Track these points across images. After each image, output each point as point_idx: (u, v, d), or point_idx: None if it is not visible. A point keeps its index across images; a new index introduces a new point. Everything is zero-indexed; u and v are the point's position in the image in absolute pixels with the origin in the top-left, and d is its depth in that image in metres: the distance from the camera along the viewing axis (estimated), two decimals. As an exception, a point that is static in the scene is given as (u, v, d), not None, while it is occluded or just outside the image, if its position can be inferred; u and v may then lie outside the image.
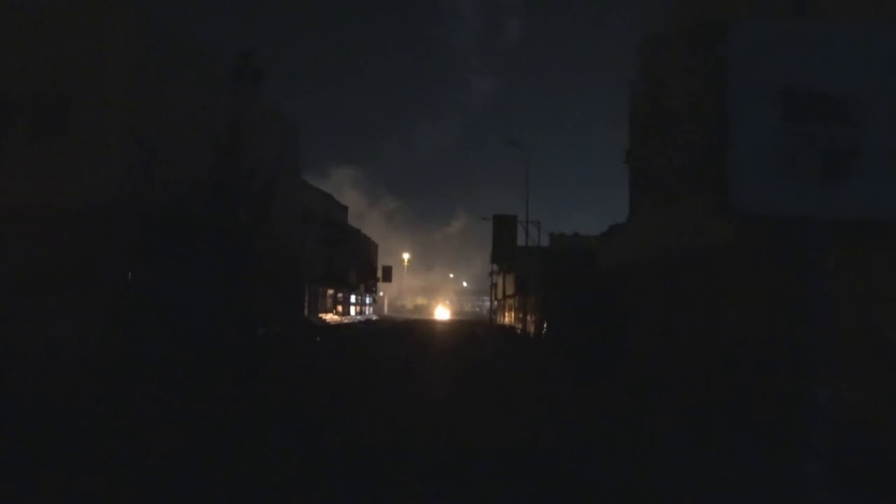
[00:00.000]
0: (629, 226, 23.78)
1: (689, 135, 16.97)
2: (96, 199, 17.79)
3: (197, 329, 22.22)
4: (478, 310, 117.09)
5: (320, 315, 48.43)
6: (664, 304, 19.47)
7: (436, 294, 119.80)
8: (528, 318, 38.18)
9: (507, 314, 54.81)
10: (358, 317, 62.54)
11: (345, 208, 57.02)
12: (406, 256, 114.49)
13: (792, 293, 12.47)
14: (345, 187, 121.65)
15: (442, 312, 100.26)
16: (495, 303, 65.22)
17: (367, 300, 71.69)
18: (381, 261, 77.17)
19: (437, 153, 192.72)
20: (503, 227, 38.45)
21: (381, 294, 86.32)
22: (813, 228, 4.09)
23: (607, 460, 6.86)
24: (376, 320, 63.82)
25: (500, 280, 55.35)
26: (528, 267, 35.76)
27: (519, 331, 41.07)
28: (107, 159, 18.52)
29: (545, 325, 29.79)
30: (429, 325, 53.28)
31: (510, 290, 42.32)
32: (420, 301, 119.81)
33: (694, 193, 17.09)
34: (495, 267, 67.24)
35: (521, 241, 42.93)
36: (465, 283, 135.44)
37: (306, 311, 44.29)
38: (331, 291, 53.01)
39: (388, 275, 75.56)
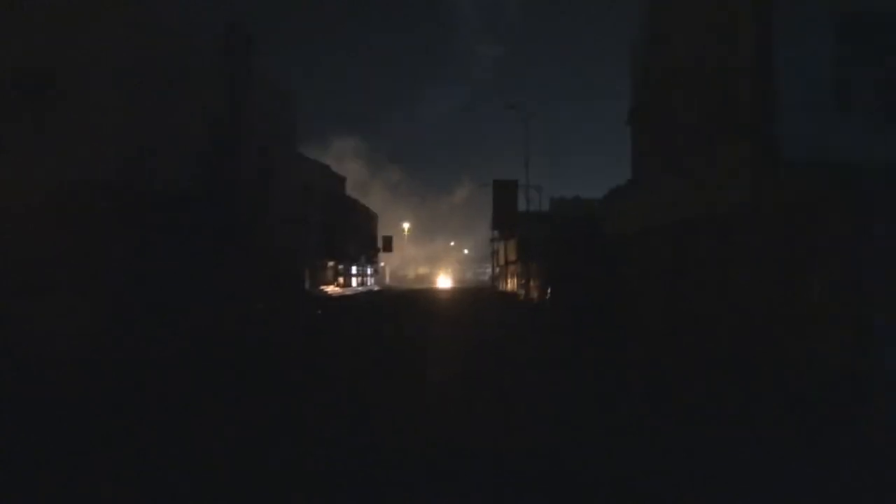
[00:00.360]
0: (633, 188, 23.29)
1: (699, 89, 16.40)
2: (86, 177, 17.32)
3: (195, 305, 21.91)
4: (481, 277, 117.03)
5: (321, 287, 48.19)
6: (672, 269, 19.08)
7: (438, 263, 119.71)
8: (531, 284, 37.89)
9: (508, 281, 54.57)
10: (359, 288, 62.34)
11: (343, 179, 56.41)
12: (406, 226, 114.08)
13: (812, 257, 12.10)
14: (346, 157, 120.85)
15: (444, 281, 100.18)
16: (497, 270, 64.96)
17: (369, 271, 71.44)
18: (383, 231, 76.87)
19: (440, 122, 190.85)
20: (504, 193, 37.87)
21: (383, 264, 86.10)
22: (878, 177, 3.67)
23: (619, 454, 6.54)
24: (378, 291, 63.65)
25: (501, 247, 54.99)
26: (530, 232, 35.37)
27: (521, 297, 40.82)
28: (102, 137, 18.03)
29: (549, 292, 29.49)
30: (431, 294, 53.04)
31: (512, 257, 41.98)
32: (422, 270, 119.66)
33: (702, 152, 16.58)
34: (496, 233, 66.90)
35: (521, 206, 42.51)
36: (466, 251, 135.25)
37: (307, 284, 44.03)
38: (331, 263, 52.71)
39: (388, 245, 75.18)
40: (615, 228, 24.72)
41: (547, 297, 29.24)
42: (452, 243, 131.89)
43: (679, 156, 19.46)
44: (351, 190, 70.35)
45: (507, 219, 40.44)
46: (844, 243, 8.19)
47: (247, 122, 26.27)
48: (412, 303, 36.74)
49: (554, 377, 10.22)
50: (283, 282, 34.91)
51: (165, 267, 20.11)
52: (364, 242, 64.94)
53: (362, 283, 66.08)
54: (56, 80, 17.95)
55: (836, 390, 8.25)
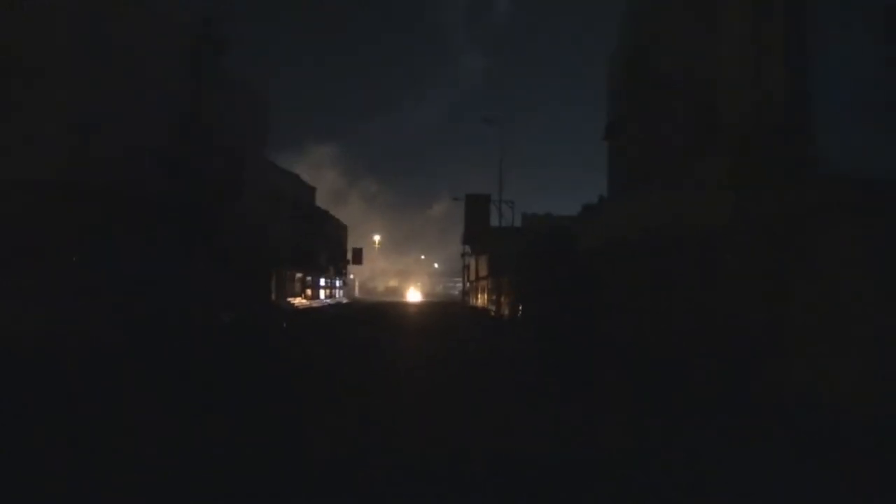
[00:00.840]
0: (610, 204, 22.91)
1: (683, 102, 16.04)
2: (34, 175, 16.31)
3: (153, 314, 20.88)
4: (450, 291, 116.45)
5: (288, 299, 47.07)
6: (649, 287, 18.64)
7: (408, 276, 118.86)
8: (502, 300, 37.35)
9: (479, 296, 54.03)
10: (328, 300, 61.23)
11: (313, 189, 55.45)
12: (377, 238, 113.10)
13: (792, 277, 11.69)
14: (322, 166, 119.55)
15: (413, 294, 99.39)
16: (468, 284, 64.41)
17: (337, 283, 70.33)
18: (354, 242, 75.87)
19: (418, 133, 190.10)
20: (476, 207, 37.37)
21: (352, 277, 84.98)
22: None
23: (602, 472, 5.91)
24: (346, 304, 62.59)
25: (472, 262, 54.49)
26: (502, 248, 34.89)
27: (492, 313, 40.25)
28: (43, 133, 17.01)
29: (520, 308, 28.95)
30: (400, 308, 52.24)
31: (483, 272, 41.45)
32: (392, 283, 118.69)
33: (684, 165, 16.20)
34: (468, 248, 66.42)
35: (494, 221, 42.04)
36: (436, 265, 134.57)
37: (273, 295, 42.91)
38: (299, 275, 51.61)
39: (358, 257, 74.20)
40: (590, 244, 24.31)
41: (518, 314, 28.69)
42: (423, 257, 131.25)
43: (658, 170, 19.12)
44: (325, 199, 69.37)
45: (479, 233, 39.93)
46: (853, 260, 7.74)
47: (213, 123, 25.36)
48: (381, 318, 35.92)
49: (527, 402, 9.58)
50: (249, 292, 33.85)
51: (120, 273, 19.10)
52: (334, 254, 63.92)
53: (331, 296, 64.96)
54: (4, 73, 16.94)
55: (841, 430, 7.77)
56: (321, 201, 63.10)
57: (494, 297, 40.59)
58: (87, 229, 17.25)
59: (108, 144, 18.84)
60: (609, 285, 21.90)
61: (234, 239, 28.85)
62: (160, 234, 21.89)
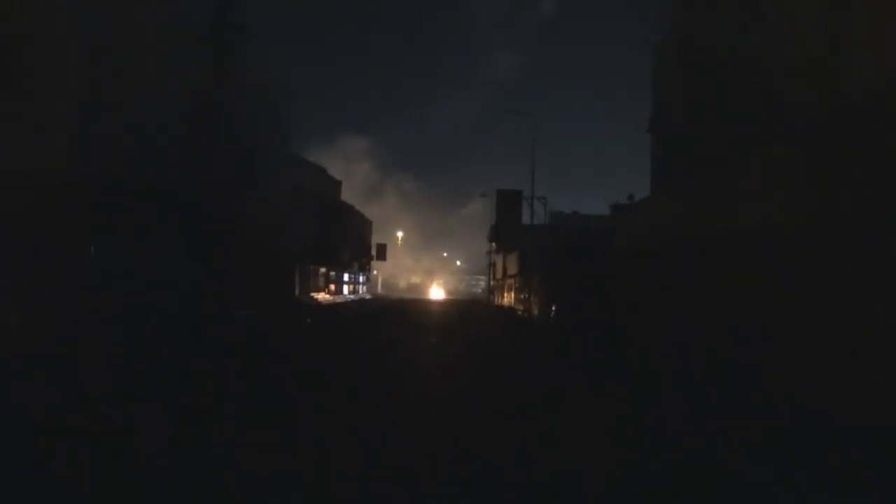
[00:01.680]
0: (655, 200, 21.54)
1: (741, 88, 14.64)
2: (44, 165, 15.32)
3: (168, 310, 19.94)
4: (472, 289, 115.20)
5: (312, 294, 46.20)
6: (695, 289, 17.30)
7: (430, 273, 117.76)
8: (532, 299, 36.08)
9: (505, 294, 52.75)
10: (351, 296, 60.36)
11: (339, 183, 54.53)
12: (400, 234, 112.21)
13: (856, 282, 10.32)
14: (346, 160, 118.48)
15: (436, 292, 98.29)
16: (493, 282, 63.17)
17: (361, 279, 69.47)
18: (378, 238, 74.95)
19: (449, 130, 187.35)
20: (507, 204, 36.04)
21: (375, 272, 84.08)
22: None
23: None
24: (370, 299, 61.66)
25: (499, 259, 53.18)
26: (534, 245, 33.59)
27: (521, 312, 38.96)
28: (55, 120, 16.03)
29: (553, 308, 27.66)
30: (424, 305, 51.15)
31: (511, 270, 40.17)
32: (414, 280, 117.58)
33: (739, 159, 14.82)
34: (493, 246, 65.11)
35: (525, 219, 40.66)
36: (458, 263, 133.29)
37: (297, 291, 42.05)
38: (323, 270, 50.72)
39: (382, 253, 73.26)
40: (631, 244, 22.96)
41: (551, 315, 27.40)
42: (445, 254, 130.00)
43: (710, 163, 17.73)
44: (351, 194, 68.55)
45: (509, 230, 38.63)
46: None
47: (232, 113, 24.36)
48: (408, 315, 34.83)
49: (572, 413, 8.35)
50: (271, 287, 32.94)
51: (131, 269, 18.16)
52: (357, 249, 63.02)
53: (354, 291, 64.10)
54: (13, 57, 15.99)
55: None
56: (348, 196, 62.35)
57: (523, 296, 39.29)
58: (95, 223, 16.27)
59: (118, 133, 17.85)
60: (653, 286, 20.57)
61: (253, 233, 27.89)
62: (174, 228, 20.93)
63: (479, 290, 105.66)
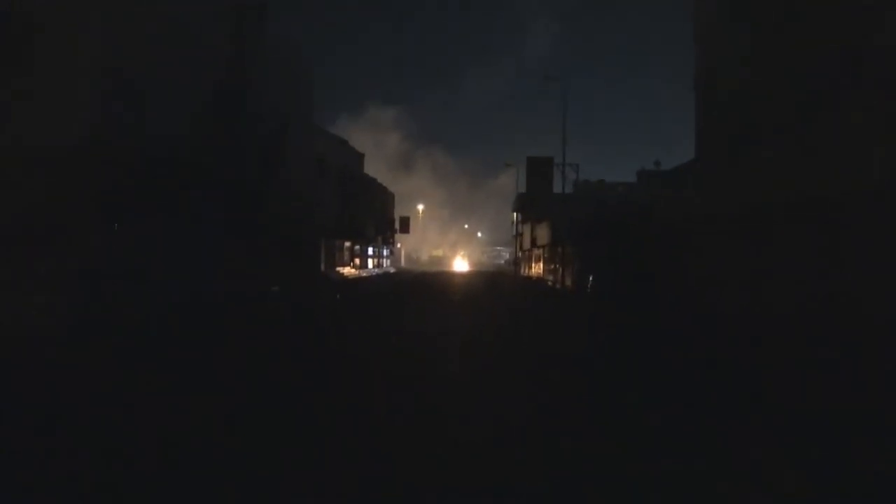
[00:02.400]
0: (704, 166, 20.41)
1: (811, 38, 13.45)
2: (65, 141, 14.57)
3: (199, 289, 19.34)
4: (495, 261, 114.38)
5: (337, 269, 45.64)
6: (756, 263, 16.30)
7: (452, 245, 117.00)
8: (564, 269, 35.16)
9: (533, 265, 51.85)
10: (375, 270, 59.80)
11: (361, 155, 53.60)
12: (420, 208, 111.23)
13: None
14: (372, 131, 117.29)
15: (460, 264, 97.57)
16: (519, 254, 62.26)
17: (384, 252, 68.87)
18: (399, 210, 74.10)
19: (480, 101, 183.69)
20: (538, 171, 34.93)
21: (399, 245, 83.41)
22: None
23: None
24: (394, 273, 61.08)
25: (526, 230, 52.14)
26: (564, 214, 32.56)
27: (551, 283, 38.09)
28: (77, 94, 15.23)
29: (591, 279, 26.73)
30: (451, 278, 50.42)
31: (542, 240, 39.18)
32: (436, 253, 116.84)
33: (811, 116, 13.68)
34: (518, 216, 64.02)
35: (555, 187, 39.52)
36: (479, 234, 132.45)
37: (322, 265, 41.47)
38: (347, 244, 50.09)
39: (406, 226, 72.48)
40: (677, 213, 21.89)
41: (589, 286, 26.48)
42: (467, 226, 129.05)
43: (772, 124, 16.57)
44: (375, 166, 67.57)
45: (540, 199, 37.57)
46: None
47: (256, 86, 23.48)
48: (437, 289, 34.10)
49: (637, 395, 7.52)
50: (296, 262, 32.33)
51: (163, 242, 17.52)
52: (381, 223, 62.31)
53: (378, 265, 63.53)
54: (35, 30, 15.17)
55: None
56: (374, 168, 61.48)
57: (554, 267, 38.37)
58: (119, 200, 15.55)
59: (142, 105, 17.07)
60: (697, 257, 19.57)
61: (279, 207, 27.17)
62: (200, 202, 20.22)
63: (502, 262, 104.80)
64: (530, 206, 47.05)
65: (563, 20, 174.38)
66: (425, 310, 20.78)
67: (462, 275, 62.77)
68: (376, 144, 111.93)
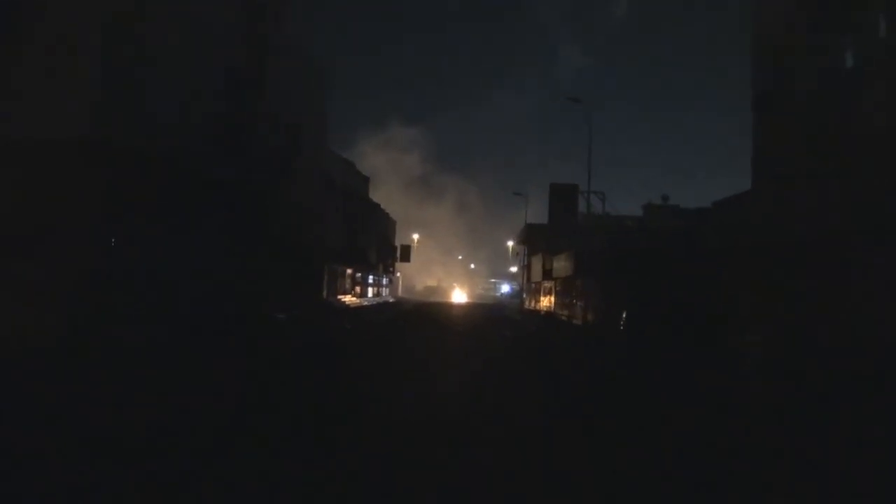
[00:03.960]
0: (763, 193, 18.58)
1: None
2: (62, 133, 12.56)
3: (200, 311, 17.18)
4: (490, 293, 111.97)
5: (339, 296, 43.38)
6: (822, 296, 14.41)
7: (449, 276, 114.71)
8: (583, 304, 33.13)
9: (542, 298, 49.78)
10: (375, 298, 57.52)
11: (366, 179, 51.73)
12: (416, 237, 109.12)
13: None
14: (375, 151, 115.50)
15: (459, 295, 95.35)
16: (526, 285, 60.27)
17: (384, 281, 66.65)
18: (401, 238, 72.03)
19: (494, 125, 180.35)
20: (561, 199, 33.02)
21: (398, 275, 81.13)
22: None
23: None
24: (393, 302, 58.80)
25: (536, 261, 50.16)
26: (590, 245, 30.63)
27: (566, 318, 36.02)
28: (77, 83, 13.30)
29: (623, 317, 24.68)
30: (454, 310, 48.30)
31: (560, 272, 37.18)
32: (430, 283, 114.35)
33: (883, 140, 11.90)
34: (523, 247, 62.15)
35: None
36: (472, 266, 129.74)
37: (325, 292, 39.23)
38: (349, 271, 47.88)
39: (406, 254, 70.33)
40: (726, 242, 20.02)
41: (622, 324, 24.43)
42: (461, 257, 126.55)
43: (836, 149, 14.82)
44: (380, 190, 65.59)
45: (562, 229, 35.65)
46: None
47: (271, 95, 21.60)
48: (447, 322, 31.97)
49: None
50: (301, 287, 30.15)
51: (162, 258, 15.41)
52: (383, 250, 60.22)
53: (377, 294, 61.28)
54: (35, 16, 13.28)
55: None
56: (375, 193, 59.61)
57: (571, 301, 36.32)
58: (118, 200, 13.48)
59: (148, 104, 15.14)
60: (749, 293, 17.67)
61: (288, 227, 25.12)
62: (206, 213, 18.17)
63: (499, 294, 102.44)
64: (541, 236, 45.17)
65: (594, 54, 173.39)
66: (446, 347, 18.69)
67: (465, 307, 60.58)
68: (392, 165, 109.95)
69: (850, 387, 10.79)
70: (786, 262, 16.27)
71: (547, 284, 46.85)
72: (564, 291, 38.96)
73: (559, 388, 11.16)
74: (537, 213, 73.58)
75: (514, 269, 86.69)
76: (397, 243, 71.02)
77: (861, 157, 13.42)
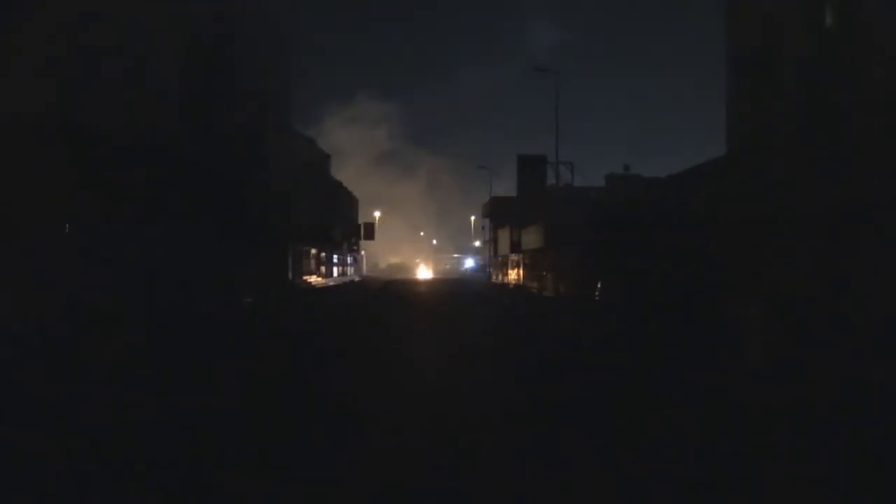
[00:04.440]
0: (734, 160, 18.46)
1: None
2: (18, 108, 11.63)
3: (167, 296, 16.41)
4: (456, 268, 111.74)
5: (304, 277, 42.54)
6: (814, 269, 14.36)
7: (413, 253, 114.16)
8: (553, 276, 33.07)
9: (510, 272, 49.73)
10: (340, 278, 56.75)
11: (328, 157, 50.65)
12: (377, 214, 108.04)
13: None
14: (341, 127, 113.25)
15: (424, 272, 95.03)
16: (493, 260, 60.21)
17: (349, 260, 65.83)
18: (360, 215, 70.98)
19: (462, 100, 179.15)
20: (530, 170, 32.64)
21: (362, 253, 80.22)
22: None
23: None
24: (359, 281, 58.11)
25: (503, 234, 50.00)
26: (561, 215, 30.39)
27: (536, 290, 35.92)
28: (34, 56, 12.34)
29: (598, 288, 24.58)
30: (424, 286, 47.93)
31: (529, 244, 36.99)
32: (394, 260, 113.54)
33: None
34: (488, 221, 61.98)
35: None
36: (434, 241, 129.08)
37: (290, 273, 38.35)
38: (314, 251, 46.98)
39: (370, 232, 69.43)
40: (702, 213, 19.89)
41: (597, 295, 24.33)
42: (422, 233, 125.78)
43: (824, 116, 14.67)
44: (341, 167, 64.33)
45: (531, 201, 35.33)
46: None
47: (241, 66, 20.64)
48: (421, 299, 31.56)
49: None
50: (267, 269, 29.31)
51: (125, 240, 14.58)
52: (346, 229, 59.35)
53: (343, 273, 60.48)
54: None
55: None
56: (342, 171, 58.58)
57: (541, 273, 36.22)
58: (79, 183, 12.60)
59: (109, 81, 14.19)
60: (736, 265, 17.57)
61: (258, 208, 24.26)
62: (173, 194, 17.30)
63: (463, 269, 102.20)
64: (508, 209, 44.92)
65: (563, 29, 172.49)
66: (427, 326, 18.26)
67: (433, 283, 60.22)
68: (358, 142, 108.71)
69: (854, 366, 10.68)
70: (785, 234, 15.96)
71: (514, 257, 46.75)
72: (533, 264, 38.85)
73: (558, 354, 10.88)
74: (508, 189, 73.21)
75: (477, 243, 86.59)
76: (360, 221, 70.05)
77: (862, 123, 13.19)
